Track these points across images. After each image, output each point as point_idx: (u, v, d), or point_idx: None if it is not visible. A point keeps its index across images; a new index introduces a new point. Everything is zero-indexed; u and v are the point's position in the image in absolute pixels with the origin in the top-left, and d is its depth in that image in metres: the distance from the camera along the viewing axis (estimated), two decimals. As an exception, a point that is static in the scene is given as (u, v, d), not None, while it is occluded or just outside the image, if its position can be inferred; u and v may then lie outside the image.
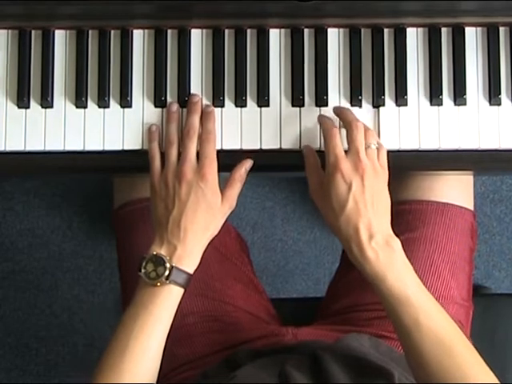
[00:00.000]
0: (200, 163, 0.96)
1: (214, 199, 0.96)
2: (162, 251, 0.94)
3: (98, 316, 1.78)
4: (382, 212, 0.94)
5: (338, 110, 1.00)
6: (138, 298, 0.94)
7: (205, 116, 1.00)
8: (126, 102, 1.01)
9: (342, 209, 0.92)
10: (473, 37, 1.02)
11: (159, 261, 0.93)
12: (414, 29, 1.02)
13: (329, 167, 0.94)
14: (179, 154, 0.98)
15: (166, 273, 0.93)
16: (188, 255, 0.95)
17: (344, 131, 0.97)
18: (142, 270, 0.94)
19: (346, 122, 0.97)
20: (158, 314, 0.93)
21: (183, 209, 0.95)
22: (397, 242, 0.92)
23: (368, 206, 0.92)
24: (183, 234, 0.94)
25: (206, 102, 1.01)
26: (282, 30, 1.02)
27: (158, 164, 0.99)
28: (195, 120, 0.99)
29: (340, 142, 0.95)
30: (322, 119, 1.00)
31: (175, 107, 1.01)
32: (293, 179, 1.78)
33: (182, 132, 0.99)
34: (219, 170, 0.98)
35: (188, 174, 0.95)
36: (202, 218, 0.96)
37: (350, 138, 0.95)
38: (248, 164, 1.01)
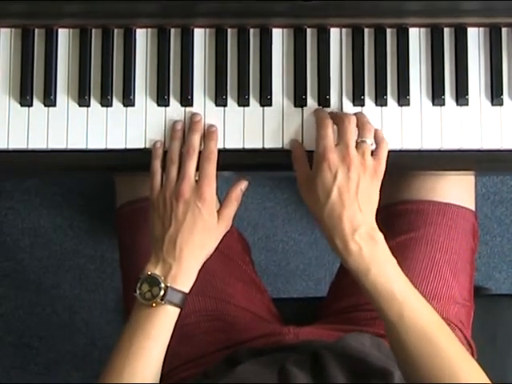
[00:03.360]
0: (199, 182, 0.96)
1: (211, 219, 0.96)
2: (157, 271, 0.94)
3: (98, 315, 1.78)
4: (367, 205, 0.93)
5: (331, 113, 1.00)
6: (134, 319, 0.94)
7: (207, 135, 0.99)
8: (128, 100, 1.01)
9: (326, 199, 0.92)
10: (475, 37, 1.02)
11: (154, 281, 0.93)
12: (417, 29, 1.02)
13: (316, 156, 0.94)
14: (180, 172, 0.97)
15: (161, 293, 0.92)
16: (183, 274, 0.94)
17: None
18: (138, 291, 0.93)
19: (338, 117, 0.97)
20: (155, 334, 0.93)
21: (179, 228, 0.95)
22: (380, 236, 0.92)
23: (352, 197, 0.92)
24: (179, 253, 0.94)
25: (208, 101, 1.01)
26: (285, 29, 1.02)
27: (158, 181, 0.98)
28: (196, 139, 0.98)
29: (331, 133, 0.95)
30: (316, 111, 1.00)
31: (179, 126, 1.00)
32: (294, 179, 1.77)
33: (183, 150, 0.99)
34: (221, 170, 0.98)
35: (186, 192, 0.95)
36: (198, 238, 0.95)
37: (341, 131, 0.95)
38: (244, 184, 1.01)
